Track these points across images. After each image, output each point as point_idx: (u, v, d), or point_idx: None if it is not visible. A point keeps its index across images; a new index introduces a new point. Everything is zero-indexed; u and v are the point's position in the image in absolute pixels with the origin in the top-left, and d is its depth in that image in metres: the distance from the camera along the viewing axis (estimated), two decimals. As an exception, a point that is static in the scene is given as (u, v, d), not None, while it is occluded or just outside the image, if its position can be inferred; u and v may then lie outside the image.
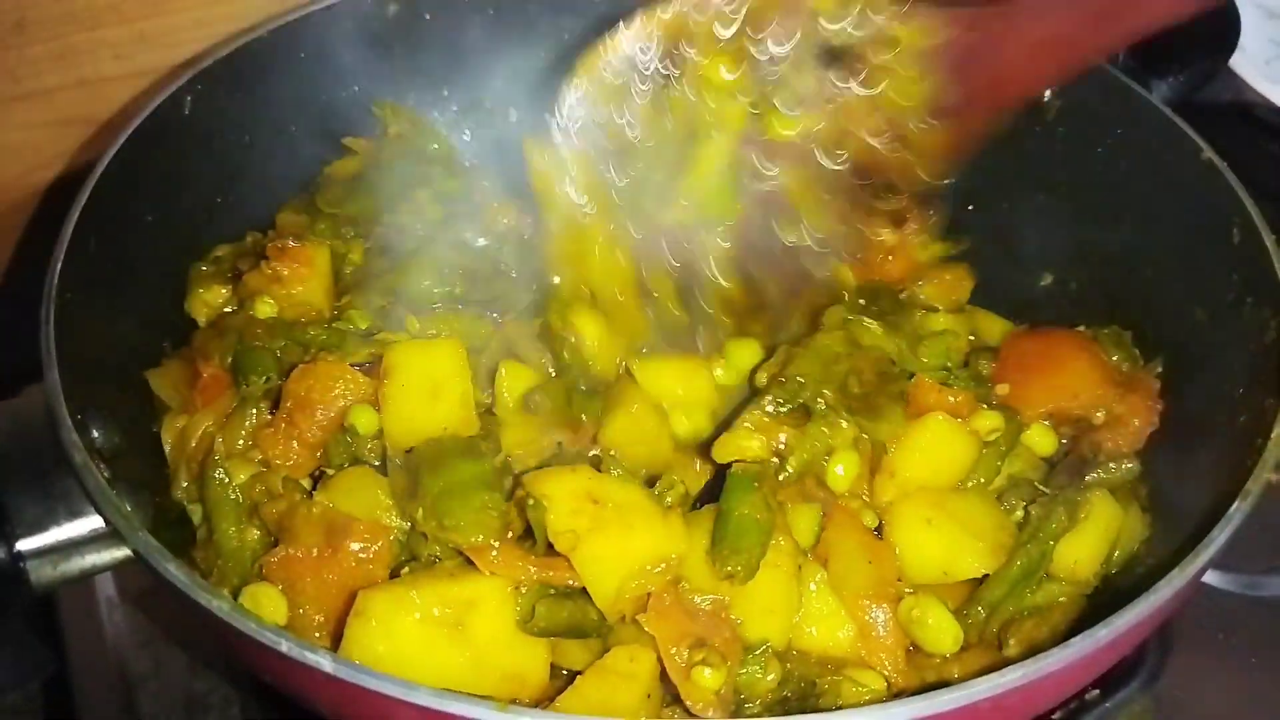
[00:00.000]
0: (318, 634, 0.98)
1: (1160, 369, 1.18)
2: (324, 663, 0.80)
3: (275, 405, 1.11)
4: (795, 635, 1.02)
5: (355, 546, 0.99)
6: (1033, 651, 0.87)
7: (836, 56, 1.13)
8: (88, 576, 0.97)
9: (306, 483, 1.07)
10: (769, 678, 0.99)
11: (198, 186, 1.24)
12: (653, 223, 1.16)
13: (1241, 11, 1.51)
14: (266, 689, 1.02)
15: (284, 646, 0.82)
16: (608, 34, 1.11)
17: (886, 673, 1.01)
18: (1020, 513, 1.10)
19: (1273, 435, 0.95)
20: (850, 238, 1.20)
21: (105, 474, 0.92)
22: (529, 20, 1.43)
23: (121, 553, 0.94)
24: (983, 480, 1.11)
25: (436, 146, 1.40)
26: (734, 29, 1.11)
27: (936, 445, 1.08)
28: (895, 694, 1.01)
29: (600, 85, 1.12)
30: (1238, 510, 0.91)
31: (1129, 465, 1.13)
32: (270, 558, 1.00)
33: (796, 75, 1.13)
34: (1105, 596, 1.07)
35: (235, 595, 0.99)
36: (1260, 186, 1.12)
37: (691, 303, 1.18)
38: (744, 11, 1.11)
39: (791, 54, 1.12)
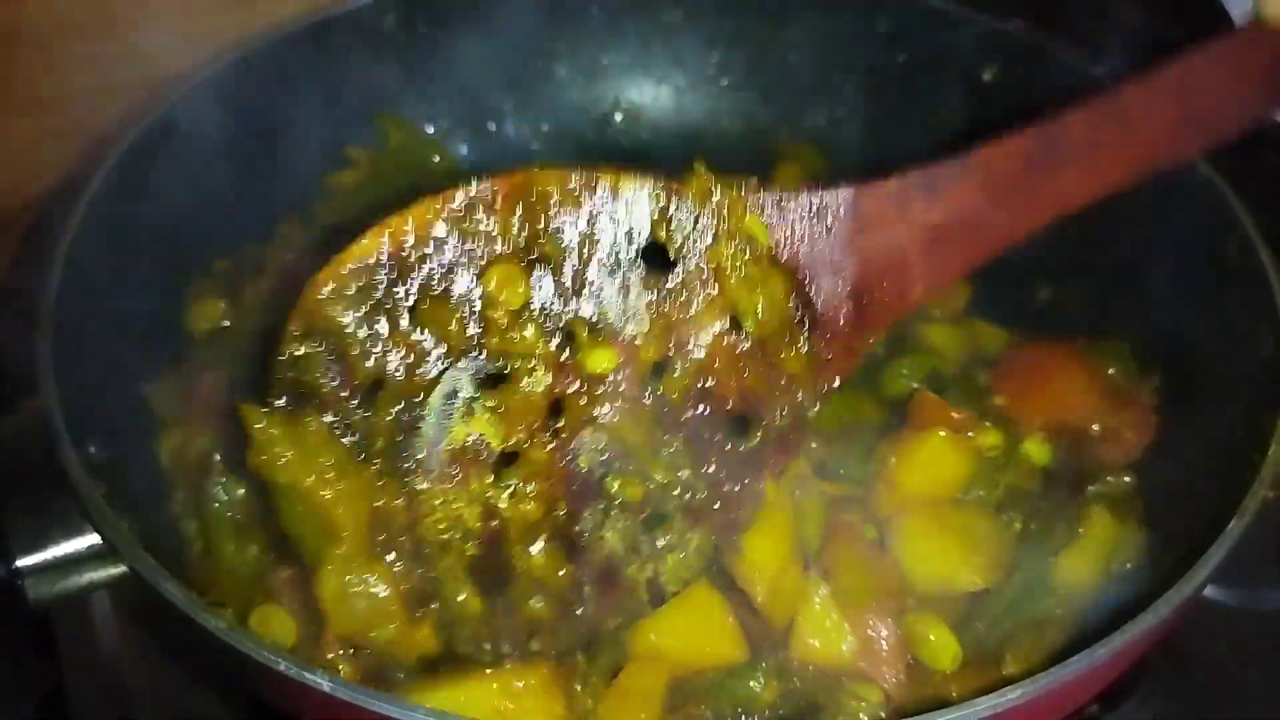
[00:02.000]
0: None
1: (1158, 383, 1.18)
2: (322, 682, 0.80)
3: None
4: (796, 646, 1.02)
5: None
6: (1031, 669, 0.87)
7: (665, 258, 0.92)
8: (85, 593, 0.96)
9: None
10: (768, 694, 0.99)
11: (194, 199, 1.23)
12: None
13: (1238, 22, 1.50)
14: (263, 706, 1.02)
15: (281, 666, 0.81)
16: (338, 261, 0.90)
17: (887, 686, 1.01)
18: (1019, 525, 1.10)
19: (1270, 451, 0.95)
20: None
21: (102, 491, 0.92)
22: (525, 31, 1.43)
23: (118, 570, 0.94)
24: (982, 494, 1.11)
25: (438, 159, 1.40)
26: (521, 230, 0.88)
27: (936, 459, 1.09)
28: (894, 709, 1.01)
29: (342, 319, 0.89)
30: (1235, 527, 0.91)
31: (1125, 479, 1.14)
32: (278, 576, 1.00)
33: (612, 284, 0.90)
34: (1104, 613, 1.07)
35: (239, 613, 0.98)
36: (1258, 201, 1.12)
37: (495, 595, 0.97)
38: (526, 210, 0.88)
39: (603, 256, 0.89)
